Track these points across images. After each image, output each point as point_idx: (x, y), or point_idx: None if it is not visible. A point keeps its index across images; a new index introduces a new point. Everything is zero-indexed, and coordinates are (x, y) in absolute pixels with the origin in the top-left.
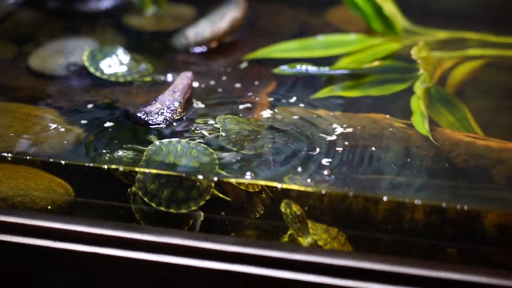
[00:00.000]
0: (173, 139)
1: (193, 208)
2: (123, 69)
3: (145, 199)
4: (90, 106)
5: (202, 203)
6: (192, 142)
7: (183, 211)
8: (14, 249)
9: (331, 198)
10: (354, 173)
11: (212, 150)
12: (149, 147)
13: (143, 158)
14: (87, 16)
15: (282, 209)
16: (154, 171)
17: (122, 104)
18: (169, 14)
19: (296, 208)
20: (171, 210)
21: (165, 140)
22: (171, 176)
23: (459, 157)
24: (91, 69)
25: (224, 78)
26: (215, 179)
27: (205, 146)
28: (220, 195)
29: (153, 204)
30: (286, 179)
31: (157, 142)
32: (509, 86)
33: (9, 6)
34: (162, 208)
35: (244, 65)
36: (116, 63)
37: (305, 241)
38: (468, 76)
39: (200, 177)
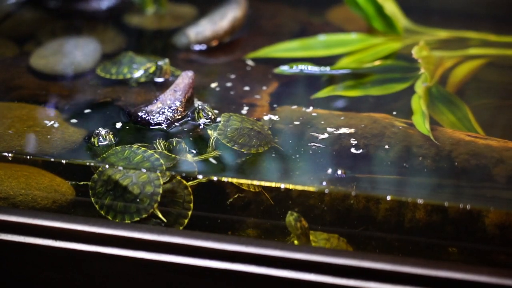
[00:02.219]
0: (142, 148)
1: (127, 221)
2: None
3: (92, 199)
4: (91, 105)
5: (136, 219)
6: (155, 156)
7: (117, 220)
8: (15, 248)
9: (332, 197)
10: (354, 172)
11: (162, 173)
12: (118, 147)
13: (103, 155)
14: (88, 15)
15: (292, 222)
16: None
17: (123, 103)
18: (170, 13)
19: (304, 222)
20: (108, 217)
21: (136, 146)
22: (118, 184)
23: (460, 156)
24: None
25: (225, 77)
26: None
27: (161, 169)
28: (160, 215)
29: (96, 207)
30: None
31: (127, 146)
32: (510, 85)
33: (10, 5)
34: (102, 213)
35: (250, 63)
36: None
37: None
38: (469, 75)
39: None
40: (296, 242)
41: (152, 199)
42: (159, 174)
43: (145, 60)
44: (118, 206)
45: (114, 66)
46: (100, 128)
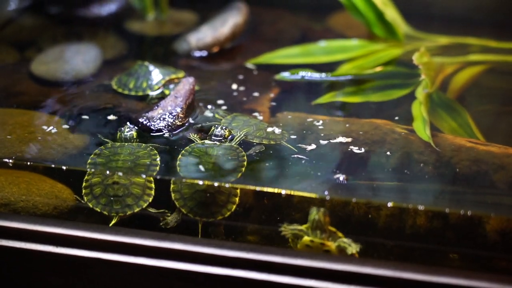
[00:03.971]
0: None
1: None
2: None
3: (83, 191)
4: (92, 111)
5: (116, 220)
6: (158, 157)
7: (90, 205)
8: (16, 254)
9: (333, 203)
10: (355, 179)
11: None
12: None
13: (120, 142)
14: (89, 21)
15: (322, 218)
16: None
17: (124, 109)
18: (171, 19)
19: (328, 216)
20: (89, 204)
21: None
22: (107, 176)
23: (461, 163)
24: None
25: (225, 83)
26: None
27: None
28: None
29: (84, 198)
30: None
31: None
32: (511, 92)
33: (11, 11)
34: (84, 199)
35: (251, 68)
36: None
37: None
38: (469, 81)
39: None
40: (314, 237)
41: (138, 203)
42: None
43: (162, 72)
44: (100, 196)
45: (131, 80)
46: (126, 126)
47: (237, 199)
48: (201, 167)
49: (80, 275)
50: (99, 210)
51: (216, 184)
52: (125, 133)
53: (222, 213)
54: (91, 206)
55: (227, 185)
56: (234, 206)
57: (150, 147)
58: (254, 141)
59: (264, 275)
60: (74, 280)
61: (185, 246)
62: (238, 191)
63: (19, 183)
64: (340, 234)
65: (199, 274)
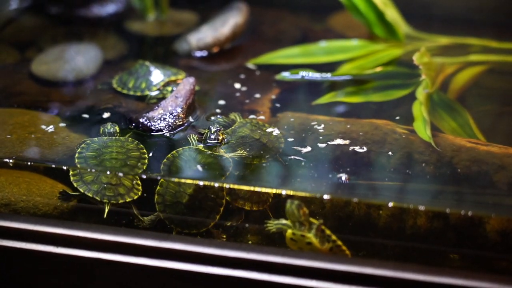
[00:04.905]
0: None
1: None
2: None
3: (72, 178)
4: (92, 111)
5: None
6: (146, 157)
7: (81, 190)
8: (16, 254)
9: (334, 203)
10: (356, 179)
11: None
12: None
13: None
14: (90, 21)
15: (295, 211)
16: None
17: (125, 109)
18: (171, 20)
19: (305, 208)
20: (80, 190)
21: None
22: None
23: (461, 163)
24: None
25: (226, 84)
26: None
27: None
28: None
29: (74, 184)
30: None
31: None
32: (511, 92)
33: (12, 11)
34: (74, 185)
35: (252, 69)
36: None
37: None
38: (470, 81)
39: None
40: (295, 230)
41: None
42: (139, 183)
43: (162, 73)
44: (92, 183)
45: (131, 79)
46: (109, 123)
47: (218, 216)
48: (185, 171)
49: (80, 275)
50: (91, 196)
51: (198, 198)
52: (108, 129)
53: (198, 228)
54: (82, 191)
55: (212, 194)
56: (213, 223)
57: (137, 142)
58: (250, 162)
59: (264, 276)
60: (74, 280)
61: (185, 246)
62: (222, 209)
63: (19, 183)
64: (314, 221)
65: (200, 274)
